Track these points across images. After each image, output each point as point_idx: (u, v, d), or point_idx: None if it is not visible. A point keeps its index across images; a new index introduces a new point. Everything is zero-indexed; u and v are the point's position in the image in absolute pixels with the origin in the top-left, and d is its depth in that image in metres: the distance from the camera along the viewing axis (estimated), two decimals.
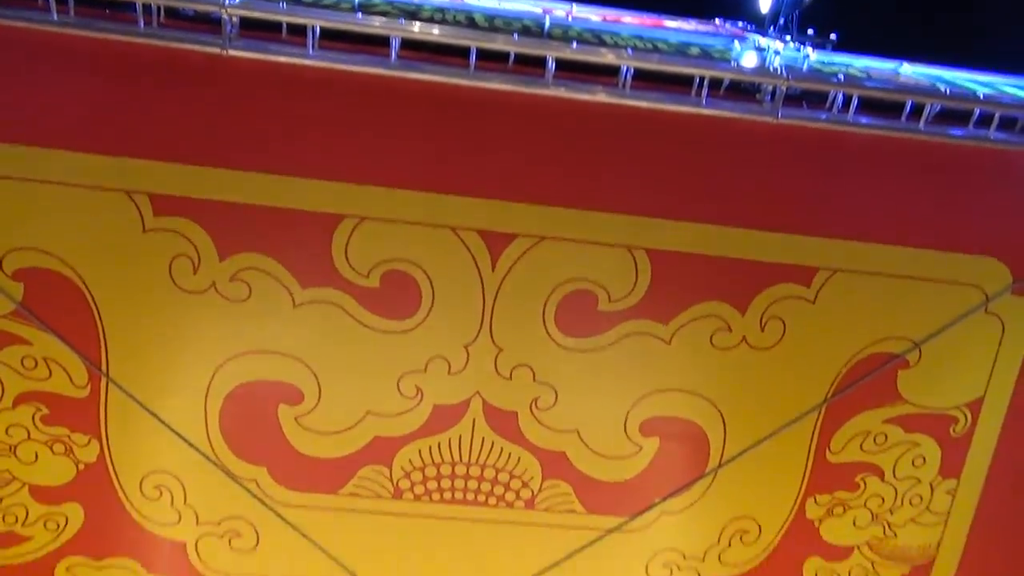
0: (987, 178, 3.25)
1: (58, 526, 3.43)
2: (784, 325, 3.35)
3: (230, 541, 3.54)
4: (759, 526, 3.72)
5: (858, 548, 3.83)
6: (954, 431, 3.63)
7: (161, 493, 3.43)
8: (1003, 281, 3.35)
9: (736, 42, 3.69)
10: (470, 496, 3.55)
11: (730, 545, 3.75)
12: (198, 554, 3.55)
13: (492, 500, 3.56)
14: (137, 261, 3.06)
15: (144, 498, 3.43)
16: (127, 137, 2.88)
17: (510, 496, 3.56)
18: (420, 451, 3.46)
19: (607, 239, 3.17)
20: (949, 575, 3.87)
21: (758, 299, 3.31)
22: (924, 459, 3.66)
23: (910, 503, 3.75)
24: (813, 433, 3.56)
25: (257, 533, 3.53)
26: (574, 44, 2.95)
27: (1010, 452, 3.69)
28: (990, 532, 3.82)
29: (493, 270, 3.19)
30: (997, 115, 3.07)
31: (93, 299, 3.11)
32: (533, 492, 3.55)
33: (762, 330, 3.35)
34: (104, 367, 3.20)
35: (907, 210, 3.27)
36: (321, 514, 3.51)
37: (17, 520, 3.39)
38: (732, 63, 3.18)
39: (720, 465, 3.53)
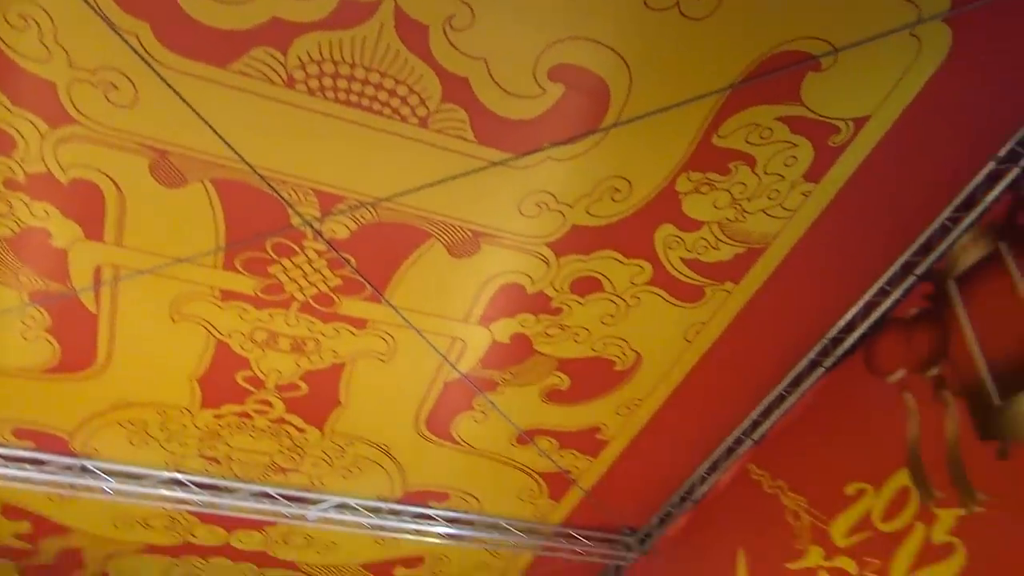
0: None
1: None
2: None
3: (106, 93, 3.38)
4: (631, 187, 3.96)
5: (708, 224, 4.18)
6: (832, 141, 3.84)
7: (27, 23, 3.12)
8: (942, 5, 3.32)
9: None
10: (365, 102, 3.49)
11: (600, 199, 4.00)
12: (71, 98, 3.38)
13: (387, 111, 3.53)
14: None
15: (8, 26, 3.12)
16: None
17: (405, 110, 3.53)
18: (320, 44, 3.28)
19: None
20: (776, 260, 4.39)
21: None
22: (796, 159, 3.90)
23: (768, 197, 4.07)
24: (708, 114, 3.67)
25: (136, 90, 3.37)
26: None
27: (870, 171, 3.98)
28: (824, 234, 4.26)
29: None
30: None
31: None
32: (429, 111, 3.54)
33: None
34: None
35: None
36: (206, 85, 3.37)
37: None
38: None
39: (615, 125, 3.61)
